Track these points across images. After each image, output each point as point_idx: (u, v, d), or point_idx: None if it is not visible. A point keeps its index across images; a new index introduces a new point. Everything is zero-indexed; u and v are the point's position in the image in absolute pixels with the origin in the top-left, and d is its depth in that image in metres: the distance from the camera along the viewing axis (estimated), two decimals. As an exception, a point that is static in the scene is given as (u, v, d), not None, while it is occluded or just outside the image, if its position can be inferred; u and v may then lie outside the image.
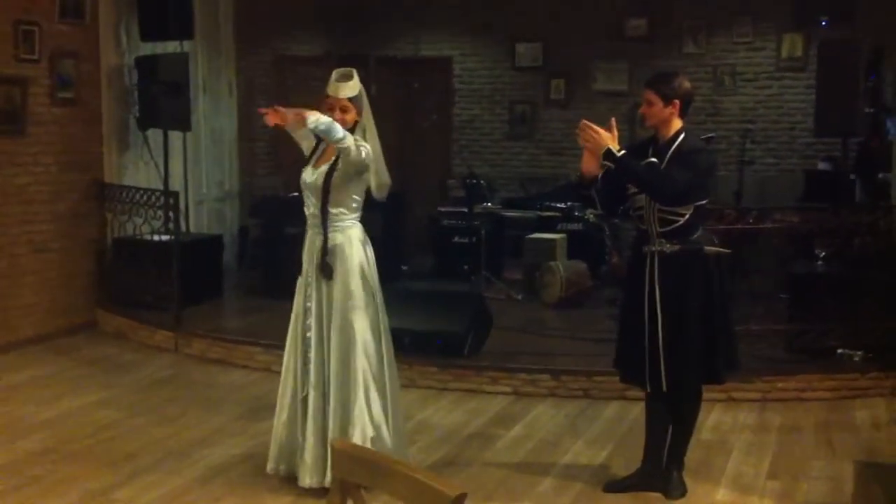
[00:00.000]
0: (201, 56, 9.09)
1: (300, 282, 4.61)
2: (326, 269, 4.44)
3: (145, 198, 7.67)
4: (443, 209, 9.44)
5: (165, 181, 7.73)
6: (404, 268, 8.98)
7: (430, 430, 5.41)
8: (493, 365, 6.22)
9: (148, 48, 8.14)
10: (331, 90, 4.42)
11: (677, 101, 4.26)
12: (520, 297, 8.21)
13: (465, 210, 8.95)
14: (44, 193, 7.42)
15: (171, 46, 8.11)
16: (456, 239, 8.96)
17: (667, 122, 4.30)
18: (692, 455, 4.64)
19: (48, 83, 7.46)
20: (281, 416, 4.59)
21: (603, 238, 8.65)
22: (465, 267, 8.64)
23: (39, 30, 7.35)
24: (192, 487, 4.58)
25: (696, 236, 4.30)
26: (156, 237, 7.62)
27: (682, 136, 4.30)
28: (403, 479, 2.22)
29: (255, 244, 9.04)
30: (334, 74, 4.45)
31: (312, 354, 4.46)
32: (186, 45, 8.28)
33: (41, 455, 4.95)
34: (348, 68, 4.47)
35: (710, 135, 8.90)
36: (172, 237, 7.43)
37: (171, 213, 7.46)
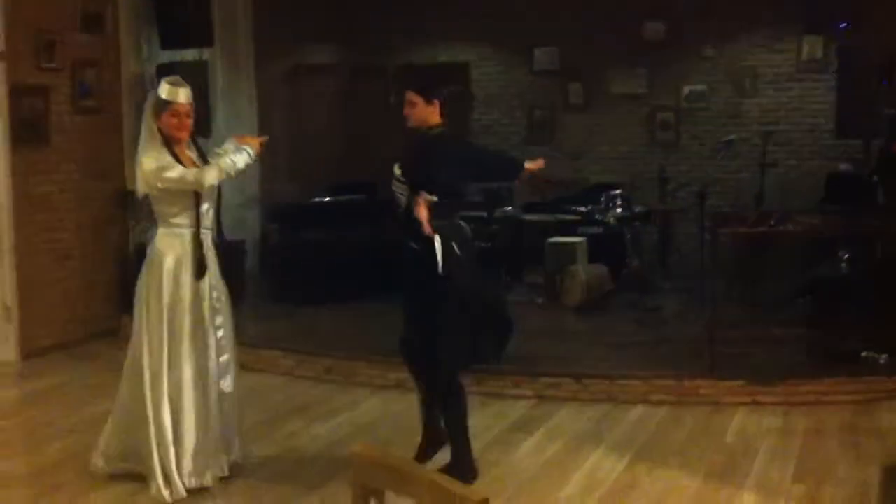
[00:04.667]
0: (221, 64, 9.13)
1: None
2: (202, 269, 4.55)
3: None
4: (463, 214, 9.41)
5: (186, 188, 7.75)
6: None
7: (452, 435, 5.39)
8: (514, 369, 6.20)
9: (168, 56, 8.19)
10: (182, 97, 4.50)
11: (437, 102, 4.58)
12: (541, 301, 8.19)
13: (485, 214, 8.93)
14: (66, 201, 7.48)
15: (191, 55, 8.16)
16: (476, 243, 8.93)
17: (427, 120, 4.60)
18: (717, 458, 4.61)
19: (70, 92, 7.52)
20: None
21: (623, 241, 8.62)
22: (487, 271, 8.62)
23: (61, 39, 7.42)
24: (217, 492, 4.59)
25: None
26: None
27: (436, 132, 4.59)
28: (426, 484, 2.22)
29: (274, 250, 9.06)
30: (173, 81, 4.56)
31: None
32: (206, 54, 8.32)
33: (65, 462, 4.98)
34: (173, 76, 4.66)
35: (730, 137, 8.88)
36: (194, 244, 7.44)
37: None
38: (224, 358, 4.64)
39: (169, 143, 4.50)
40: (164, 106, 4.48)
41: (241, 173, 4.54)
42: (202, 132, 8.08)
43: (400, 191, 4.58)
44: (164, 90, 4.50)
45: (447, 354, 4.58)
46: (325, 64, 10.71)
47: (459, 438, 4.68)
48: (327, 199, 9.06)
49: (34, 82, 7.21)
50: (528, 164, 4.98)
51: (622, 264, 8.60)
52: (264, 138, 4.74)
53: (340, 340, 6.99)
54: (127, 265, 7.93)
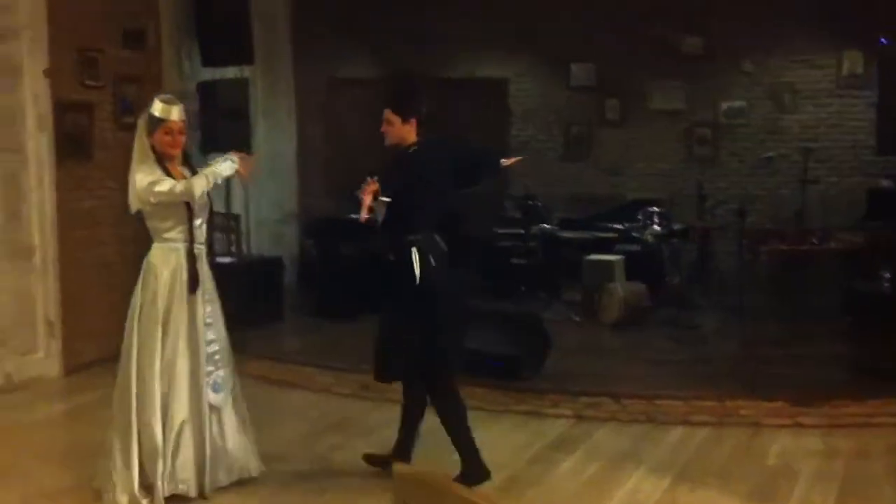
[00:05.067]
0: (261, 80, 9.22)
1: None
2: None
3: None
4: (500, 230, 9.43)
5: (227, 203, 7.83)
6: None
7: (490, 453, 5.34)
8: (553, 388, 6.18)
9: (209, 74, 8.28)
10: (175, 115, 4.59)
11: (414, 120, 4.68)
12: (578, 318, 8.17)
13: (522, 231, 8.93)
14: (108, 216, 7.55)
15: (232, 72, 8.24)
16: (513, 260, 8.95)
17: (405, 139, 4.71)
18: (758, 480, 4.55)
19: (112, 108, 7.61)
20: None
21: (661, 259, 8.58)
22: (522, 288, 8.62)
23: (103, 56, 7.52)
24: (252, 501, 4.63)
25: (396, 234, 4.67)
26: (218, 259, 7.71)
27: (414, 149, 4.70)
28: (467, 502, 2.20)
29: (311, 265, 9.11)
30: (166, 99, 4.66)
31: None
32: (246, 71, 8.40)
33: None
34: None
35: (769, 154, 8.83)
36: (234, 258, 7.51)
37: (232, 235, 7.54)
38: (220, 373, 4.69)
39: (161, 159, 4.58)
40: (157, 123, 4.57)
41: (226, 179, 4.68)
42: (244, 148, 8.18)
43: (379, 207, 4.70)
44: (157, 108, 4.59)
45: (439, 359, 4.71)
46: (363, 78, 10.76)
47: (465, 442, 4.77)
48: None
49: (78, 98, 7.30)
50: (505, 162, 5.18)
51: (660, 282, 8.56)
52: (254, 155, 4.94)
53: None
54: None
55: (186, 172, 4.68)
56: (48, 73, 7.04)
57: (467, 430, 4.79)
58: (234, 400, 4.82)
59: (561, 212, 10.22)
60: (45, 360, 7.07)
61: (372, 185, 4.66)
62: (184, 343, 4.57)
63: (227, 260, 7.66)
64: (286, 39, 9.68)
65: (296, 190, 9.95)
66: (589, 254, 8.60)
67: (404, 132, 4.72)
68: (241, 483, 4.88)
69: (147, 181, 4.49)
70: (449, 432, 4.79)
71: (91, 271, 7.38)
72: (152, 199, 4.51)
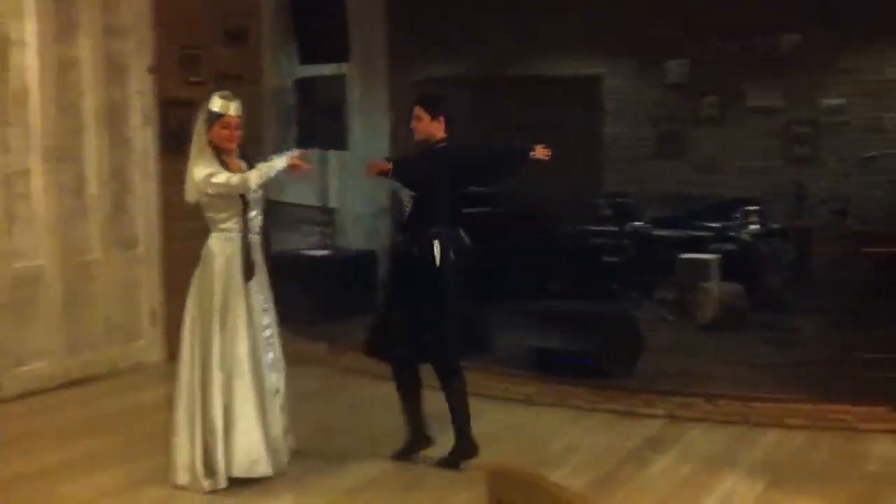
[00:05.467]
0: (357, 78, 9.34)
1: None
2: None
3: (305, 214, 7.93)
4: (591, 228, 9.39)
5: (323, 198, 7.97)
6: (552, 286, 8.96)
7: (579, 451, 5.37)
8: (645, 387, 6.13)
9: (307, 71, 8.43)
10: (232, 110, 4.78)
11: (442, 118, 4.94)
12: (671, 318, 8.08)
13: (614, 229, 8.87)
14: (208, 210, 7.76)
15: (329, 69, 8.38)
16: (604, 258, 8.89)
17: (433, 135, 4.95)
18: (859, 486, 4.45)
19: (214, 105, 7.80)
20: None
21: (758, 259, 8.42)
22: (615, 286, 8.56)
23: (207, 54, 7.73)
24: (343, 499, 4.68)
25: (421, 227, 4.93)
26: (313, 252, 7.86)
27: (441, 145, 4.95)
28: (563, 500, 2.21)
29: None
30: (224, 95, 4.84)
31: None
32: (343, 68, 8.53)
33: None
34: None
35: (872, 153, 8.58)
36: (329, 252, 7.64)
37: (328, 229, 7.67)
38: (271, 355, 4.87)
39: (219, 153, 4.76)
40: (215, 118, 4.75)
41: (279, 173, 4.79)
42: (340, 145, 8.31)
43: (406, 200, 5.03)
44: (216, 104, 4.77)
45: (452, 341, 4.99)
46: (456, 76, 10.82)
47: (463, 418, 5.03)
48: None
49: (181, 95, 7.51)
50: (534, 154, 5.17)
51: (757, 282, 8.40)
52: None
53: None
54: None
55: (243, 165, 4.85)
56: (152, 70, 7.27)
57: (467, 405, 5.08)
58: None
59: (654, 210, 10.13)
60: (148, 346, 7.31)
61: (382, 165, 4.95)
62: (241, 328, 4.74)
63: (322, 253, 7.78)
64: (382, 37, 9.79)
65: (389, 186, 10.04)
66: (683, 252, 8.48)
67: (432, 129, 4.97)
68: (330, 474, 4.98)
69: (205, 173, 4.68)
70: (452, 410, 5.05)
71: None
72: (209, 191, 4.70)
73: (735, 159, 10.28)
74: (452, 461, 5.02)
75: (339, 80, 8.41)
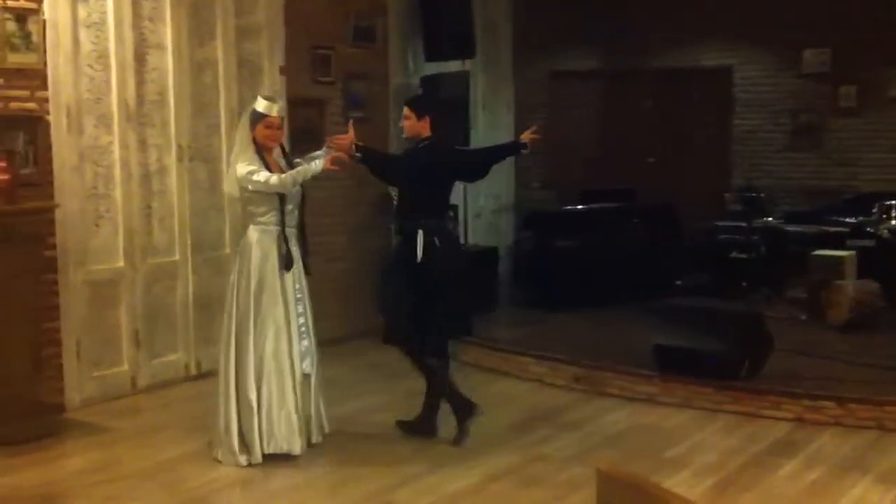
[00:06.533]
0: (481, 74, 9.38)
1: None
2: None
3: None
4: (720, 223, 9.16)
5: (446, 195, 8.03)
6: (679, 283, 8.80)
7: (703, 454, 5.27)
8: (773, 389, 5.96)
9: (432, 68, 8.52)
10: (275, 111, 5.14)
11: (427, 117, 5.29)
12: (803, 317, 7.81)
13: (744, 224, 8.63)
14: (337, 206, 7.95)
15: (454, 66, 8.44)
16: (734, 254, 8.67)
17: (419, 133, 5.32)
18: None
19: (341, 104, 7.99)
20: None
21: (899, 256, 8.05)
22: (744, 284, 8.34)
23: (335, 53, 7.91)
24: (466, 494, 4.73)
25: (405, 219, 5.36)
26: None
27: (426, 143, 5.32)
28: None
29: (527, 257, 9.19)
30: (268, 96, 5.28)
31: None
32: (468, 65, 8.58)
33: (325, 455, 5.27)
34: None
35: None
36: (451, 249, 7.70)
37: (450, 225, 7.72)
38: (305, 343, 5.20)
39: (261, 151, 5.09)
40: (259, 118, 5.10)
41: (316, 175, 5.08)
42: (463, 141, 8.36)
43: (393, 193, 5.64)
44: (260, 105, 5.13)
45: (440, 325, 5.36)
46: (583, 71, 10.73)
47: (451, 389, 5.42)
48: (580, 207, 9.07)
49: (310, 94, 7.72)
50: (524, 139, 5.52)
51: (894, 280, 8.03)
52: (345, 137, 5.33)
53: (591, 348, 6.99)
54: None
55: (283, 164, 5.22)
56: (283, 71, 7.49)
57: (452, 381, 5.46)
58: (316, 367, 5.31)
59: (787, 204, 9.81)
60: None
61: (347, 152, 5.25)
62: (276, 316, 5.07)
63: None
64: (507, 33, 9.80)
65: (513, 182, 10.06)
66: (816, 249, 8.18)
67: (419, 127, 5.33)
68: (451, 471, 5.04)
69: (246, 170, 5.01)
70: (436, 384, 5.43)
71: (321, 258, 7.76)
72: (249, 187, 5.04)
73: (874, 151, 9.85)
74: (462, 433, 5.36)
75: (462, 76, 8.46)
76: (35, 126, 5.84)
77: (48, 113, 5.91)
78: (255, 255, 5.09)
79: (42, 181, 5.88)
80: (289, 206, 5.14)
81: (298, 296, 5.21)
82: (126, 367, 6.45)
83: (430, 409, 5.52)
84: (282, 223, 5.11)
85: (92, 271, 6.22)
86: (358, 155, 5.25)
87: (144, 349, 6.53)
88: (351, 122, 5.63)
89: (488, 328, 7.76)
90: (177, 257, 6.73)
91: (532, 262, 8.92)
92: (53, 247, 5.96)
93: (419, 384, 5.61)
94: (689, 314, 6.68)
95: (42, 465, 5.11)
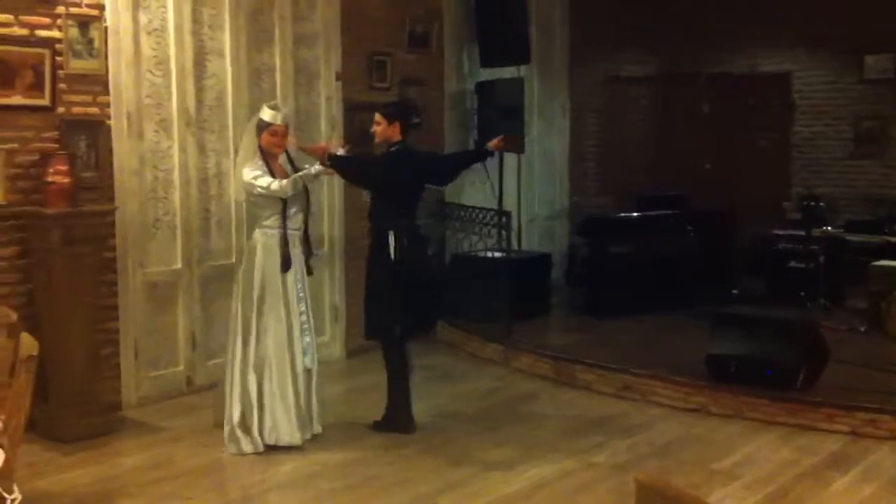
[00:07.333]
0: (536, 79, 9.38)
1: None
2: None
3: (481, 216, 8.02)
4: (778, 231, 9.03)
5: (500, 200, 8.06)
6: (734, 291, 8.70)
7: (754, 466, 5.21)
8: (828, 401, 5.86)
9: (488, 74, 8.54)
10: (280, 120, 5.38)
11: (397, 123, 5.53)
12: (863, 328, 7.67)
13: (803, 233, 8.50)
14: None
15: (509, 72, 8.45)
16: (792, 263, 8.54)
17: (390, 138, 5.56)
18: None
19: (396, 109, 8.03)
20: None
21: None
22: (801, 293, 8.21)
23: (391, 59, 7.97)
24: (514, 501, 4.73)
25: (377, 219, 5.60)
26: (489, 254, 7.96)
27: (395, 147, 5.56)
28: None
29: (581, 263, 9.15)
30: (273, 105, 5.48)
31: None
32: (522, 70, 8.58)
33: (377, 456, 5.35)
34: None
35: None
36: (505, 254, 7.71)
37: (503, 231, 7.74)
38: (307, 339, 5.47)
39: (266, 157, 5.37)
40: (265, 126, 5.37)
41: (311, 180, 5.37)
42: (517, 148, 8.36)
43: (365, 195, 6.01)
44: (266, 114, 5.39)
45: (401, 325, 5.58)
46: (640, 76, 10.66)
47: (397, 397, 5.66)
48: (635, 214, 9.01)
49: (365, 100, 7.78)
50: (491, 146, 5.88)
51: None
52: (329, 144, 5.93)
53: (642, 356, 6.93)
54: (443, 271, 8.35)
55: (289, 169, 5.47)
56: (339, 77, 7.56)
57: (405, 387, 5.68)
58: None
59: (847, 213, 9.63)
60: (330, 343, 7.61)
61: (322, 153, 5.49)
62: (278, 314, 5.33)
63: (497, 255, 7.87)
64: (563, 38, 9.79)
65: (567, 188, 10.05)
66: (877, 259, 8.02)
67: (389, 132, 5.56)
68: (500, 476, 5.05)
69: (251, 176, 5.29)
70: (389, 384, 5.69)
71: (363, 261, 7.81)
72: (253, 192, 5.31)
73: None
74: (377, 426, 5.71)
75: (517, 82, 8.46)
76: (96, 130, 5.99)
77: (109, 118, 6.06)
78: (259, 255, 5.36)
79: (103, 184, 6.04)
80: (291, 210, 5.39)
81: (300, 295, 5.47)
82: (182, 367, 6.57)
83: (401, 404, 5.74)
84: (284, 226, 5.35)
85: (150, 273, 6.36)
86: (328, 163, 5.43)
87: (200, 350, 6.65)
88: (332, 137, 6.27)
89: (538, 334, 7.76)
90: (233, 260, 6.83)
91: (586, 268, 8.88)
92: (113, 248, 6.11)
93: (465, 387, 5.63)
94: (745, 322, 6.60)
95: (98, 463, 5.24)
